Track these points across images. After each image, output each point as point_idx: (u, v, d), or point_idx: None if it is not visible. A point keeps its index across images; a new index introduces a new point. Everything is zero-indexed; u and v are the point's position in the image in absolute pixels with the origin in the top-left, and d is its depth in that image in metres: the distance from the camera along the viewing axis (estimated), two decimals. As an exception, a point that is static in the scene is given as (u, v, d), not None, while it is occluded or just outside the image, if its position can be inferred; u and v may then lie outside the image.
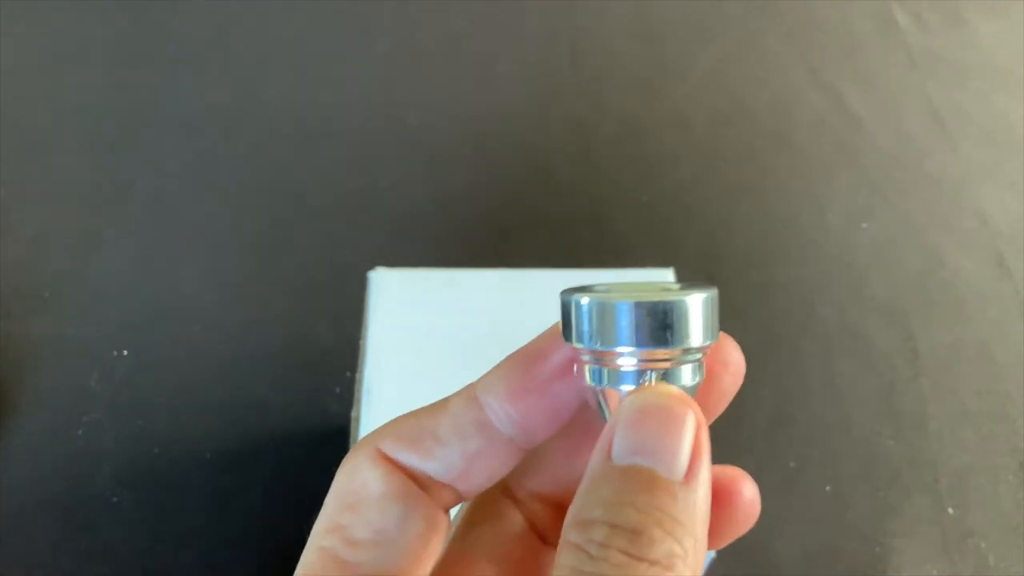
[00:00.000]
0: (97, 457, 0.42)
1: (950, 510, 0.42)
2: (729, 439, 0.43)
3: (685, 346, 0.16)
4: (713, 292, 0.17)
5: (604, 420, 0.17)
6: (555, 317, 0.19)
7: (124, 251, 0.51)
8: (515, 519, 0.20)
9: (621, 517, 0.14)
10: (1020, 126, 0.59)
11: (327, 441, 0.43)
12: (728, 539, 0.18)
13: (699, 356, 0.17)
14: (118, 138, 0.56)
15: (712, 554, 0.35)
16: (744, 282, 0.50)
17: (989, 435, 0.44)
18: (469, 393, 0.18)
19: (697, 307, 0.16)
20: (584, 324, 0.17)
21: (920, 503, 0.42)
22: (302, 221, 0.52)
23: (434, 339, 0.35)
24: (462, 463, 0.18)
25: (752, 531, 0.18)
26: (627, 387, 0.17)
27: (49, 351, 0.46)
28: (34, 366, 0.45)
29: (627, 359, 0.17)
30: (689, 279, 0.47)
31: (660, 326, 0.16)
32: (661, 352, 0.16)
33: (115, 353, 0.46)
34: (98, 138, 0.56)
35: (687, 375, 0.17)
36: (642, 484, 0.15)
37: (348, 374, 0.45)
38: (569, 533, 0.15)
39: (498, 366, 0.18)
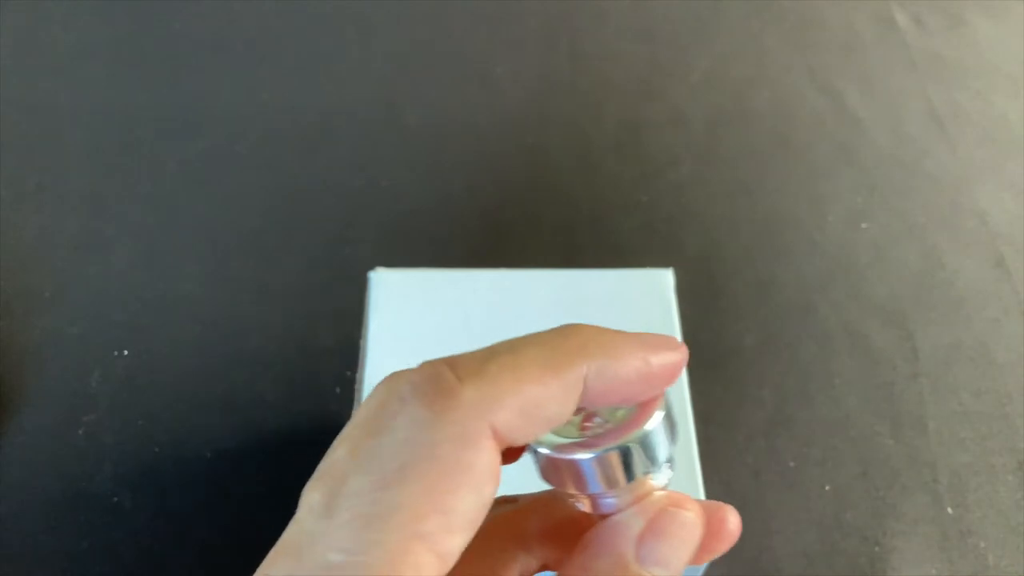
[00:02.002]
0: (97, 456, 0.42)
1: (949, 510, 0.42)
2: (729, 438, 0.44)
3: (668, 458, 0.19)
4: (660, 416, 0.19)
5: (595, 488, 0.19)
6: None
7: (124, 251, 0.51)
8: None
9: None
10: (1020, 126, 0.59)
11: (327, 441, 0.43)
12: (708, 560, 0.20)
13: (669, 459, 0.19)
14: (118, 138, 0.56)
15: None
16: (744, 282, 0.50)
17: (988, 435, 0.44)
18: (572, 372, 0.17)
19: (660, 432, 0.18)
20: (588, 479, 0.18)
21: (919, 503, 0.42)
22: (302, 221, 0.52)
23: (434, 339, 0.35)
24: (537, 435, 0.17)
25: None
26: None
27: (50, 350, 0.46)
28: (35, 366, 0.45)
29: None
30: (689, 279, 0.47)
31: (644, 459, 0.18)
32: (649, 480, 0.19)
33: (116, 353, 0.46)
34: (98, 138, 0.56)
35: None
36: None
37: (348, 374, 0.45)
38: None
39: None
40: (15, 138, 0.56)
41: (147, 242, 0.51)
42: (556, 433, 0.19)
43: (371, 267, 0.37)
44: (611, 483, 0.18)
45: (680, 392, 0.38)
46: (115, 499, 0.41)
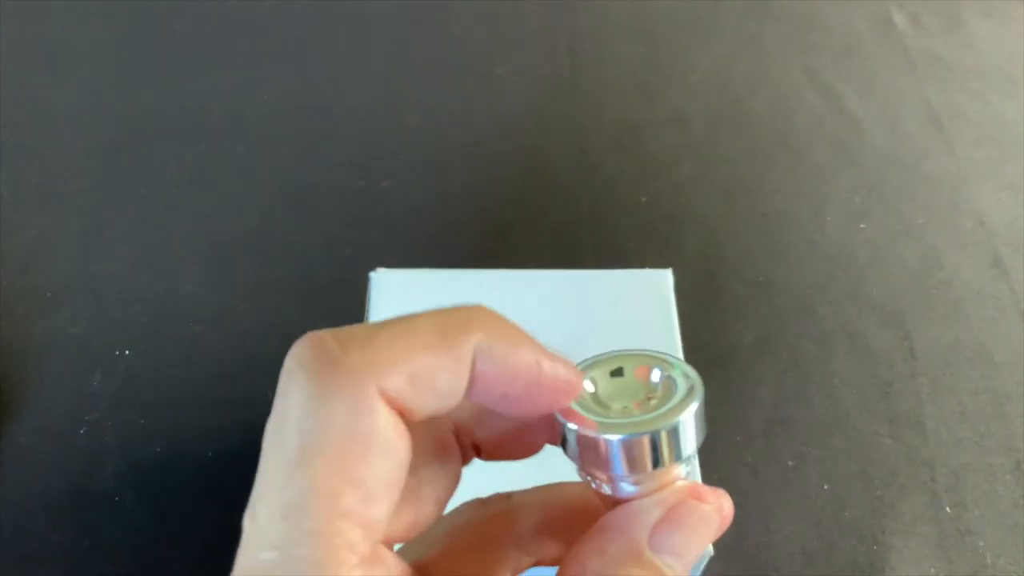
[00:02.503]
0: (98, 456, 0.42)
1: (947, 509, 0.42)
2: (728, 438, 0.44)
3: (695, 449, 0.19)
4: (699, 398, 0.19)
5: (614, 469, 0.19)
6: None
7: (125, 251, 0.51)
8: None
9: None
10: (1018, 127, 0.59)
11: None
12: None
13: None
14: (118, 138, 0.56)
15: (711, 552, 0.35)
16: (743, 282, 0.50)
17: (986, 434, 0.44)
18: (462, 344, 0.17)
19: (690, 420, 0.19)
20: (614, 460, 0.19)
21: (918, 502, 0.42)
22: (302, 221, 0.53)
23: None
24: (439, 410, 0.17)
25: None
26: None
27: (51, 351, 0.46)
28: (36, 366, 0.45)
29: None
30: (689, 279, 0.47)
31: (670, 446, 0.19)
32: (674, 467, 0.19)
33: (117, 353, 0.46)
34: (98, 138, 0.56)
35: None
36: None
37: (348, 374, 0.45)
38: None
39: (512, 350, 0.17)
40: (15, 138, 0.56)
41: (147, 242, 0.51)
42: (590, 412, 0.19)
43: (371, 267, 0.37)
44: (634, 467, 0.18)
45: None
46: (116, 499, 0.41)
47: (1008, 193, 0.55)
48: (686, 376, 0.20)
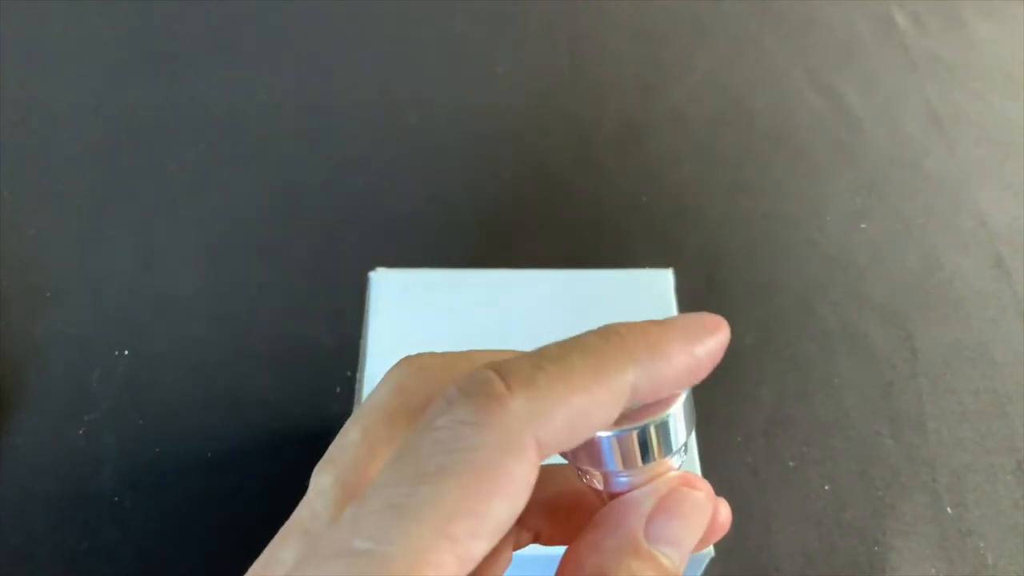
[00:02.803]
0: (98, 456, 0.42)
1: (948, 509, 0.42)
2: (728, 438, 0.44)
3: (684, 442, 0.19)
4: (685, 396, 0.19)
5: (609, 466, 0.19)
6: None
7: (125, 251, 0.51)
8: None
9: None
10: (1019, 127, 0.59)
11: (327, 441, 0.43)
12: (699, 549, 0.20)
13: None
14: (118, 138, 0.56)
15: (711, 553, 0.35)
16: (743, 282, 0.50)
17: (987, 434, 0.44)
18: (617, 380, 0.17)
19: (679, 416, 0.19)
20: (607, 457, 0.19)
21: (918, 502, 0.42)
22: (302, 221, 0.52)
23: (434, 339, 0.35)
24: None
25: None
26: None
27: (50, 350, 0.46)
28: (35, 366, 0.45)
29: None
30: (689, 279, 0.47)
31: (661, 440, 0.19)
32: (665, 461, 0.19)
33: (116, 352, 0.46)
34: (98, 138, 0.56)
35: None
36: (662, 572, 0.18)
37: (348, 374, 0.45)
38: None
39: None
40: (15, 138, 0.56)
41: (147, 242, 0.51)
42: None
43: (371, 267, 0.37)
44: (627, 462, 0.18)
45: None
46: (115, 499, 0.41)
47: (1009, 193, 0.55)
48: None
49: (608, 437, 0.18)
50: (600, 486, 0.19)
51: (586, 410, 0.16)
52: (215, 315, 0.48)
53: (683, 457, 0.20)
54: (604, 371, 0.16)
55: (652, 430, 0.18)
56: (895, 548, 0.40)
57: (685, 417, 0.19)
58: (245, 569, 0.17)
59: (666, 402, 0.18)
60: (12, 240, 0.51)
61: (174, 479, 0.42)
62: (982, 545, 0.41)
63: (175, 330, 0.47)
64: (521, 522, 0.21)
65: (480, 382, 0.16)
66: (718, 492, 0.20)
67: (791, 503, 0.42)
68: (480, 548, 0.15)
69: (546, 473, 0.22)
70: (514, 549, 0.22)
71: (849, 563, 0.40)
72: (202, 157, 0.56)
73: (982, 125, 0.59)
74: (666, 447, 0.18)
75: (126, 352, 0.46)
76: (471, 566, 0.15)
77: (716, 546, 0.35)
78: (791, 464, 0.43)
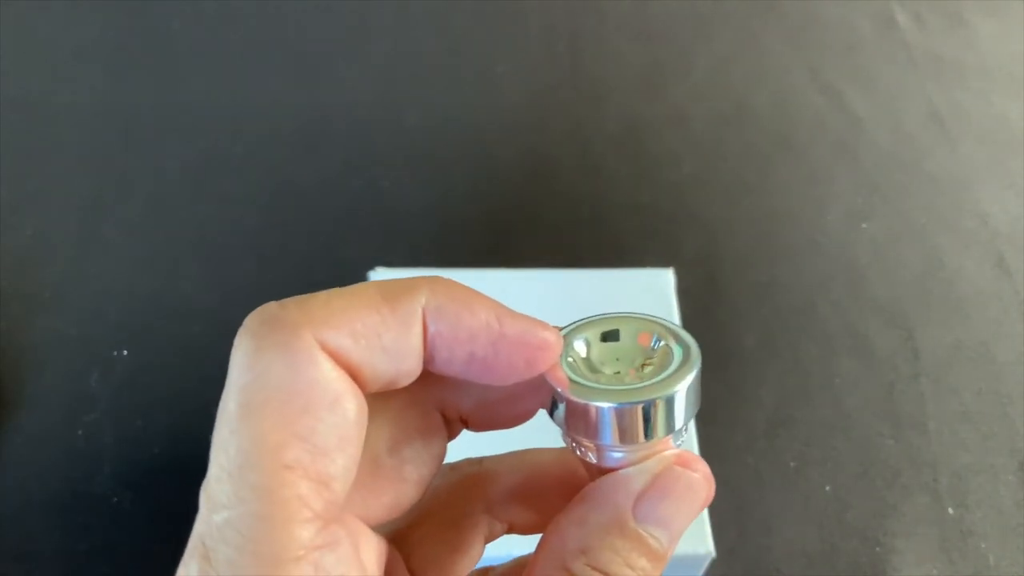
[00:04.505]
0: (97, 457, 0.42)
1: (950, 510, 0.42)
2: (729, 439, 0.43)
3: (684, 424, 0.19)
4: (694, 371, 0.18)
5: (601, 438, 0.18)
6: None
7: (124, 251, 0.51)
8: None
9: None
10: (1020, 126, 0.59)
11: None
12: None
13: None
14: (118, 138, 0.56)
15: (712, 554, 0.35)
16: (744, 282, 0.50)
17: (989, 435, 0.44)
18: (406, 302, 0.16)
19: (682, 393, 0.18)
20: (605, 428, 0.18)
21: (920, 503, 0.42)
22: (302, 221, 0.52)
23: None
24: (396, 375, 0.17)
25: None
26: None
27: (49, 351, 0.46)
28: (34, 366, 0.45)
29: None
30: (689, 279, 0.47)
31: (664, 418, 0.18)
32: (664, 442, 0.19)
33: (115, 353, 0.46)
34: (98, 138, 0.56)
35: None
36: (648, 553, 0.17)
37: (348, 374, 0.45)
38: (573, 561, 0.17)
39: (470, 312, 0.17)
40: (15, 138, 0.56)
41: (146, 242, 0.51)
42: (581, 376, 0.18)
43: (371, 267, 0.37)
44: (625, 437, 0.18)
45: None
46: (114, 500, 0.41)
47: (1011, 192, 0.55)
48: (684, 344, 0.19)
49: (609, 408, 0.17)
50: (594, 459, 0.19)
51: (371, 324, 0.16)
52: (214, 315, 0.48)
53: (683, 438, 0.19)
54: (391, 294, 0.16)
55: (656, 405, 0.17)
56: (896, 549, 0.40)
57: (688, 399, 0.18)
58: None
59: (674, 379, 0.18)
60: (11, 240, 0.51)
61: (173, 479, 0.42)
62: (983, 546, 0.41)
63: (174, 331, 0.47)
64: (493, 512, 0.21)
65: (256, 312, 0.16)
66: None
67: (792, 504, 0.42)
68: (333, 466, 0.15)
69: (516, 458, 0.21)
70: (487, 541, 0.21)
71: (850, 564, 0.40)
72: (202, 157, 0.55)
73: (983, 124, 0.59)
74: (668, 425, 0.18)
75: (125, 352, 0.46)
76: (336, 485, 0.15)
77: (718, 547, 0.35)
78: (792, 465, 0.43)
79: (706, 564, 0.36)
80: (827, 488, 0.42)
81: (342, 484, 0.15)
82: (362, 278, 0.37)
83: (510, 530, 0.21)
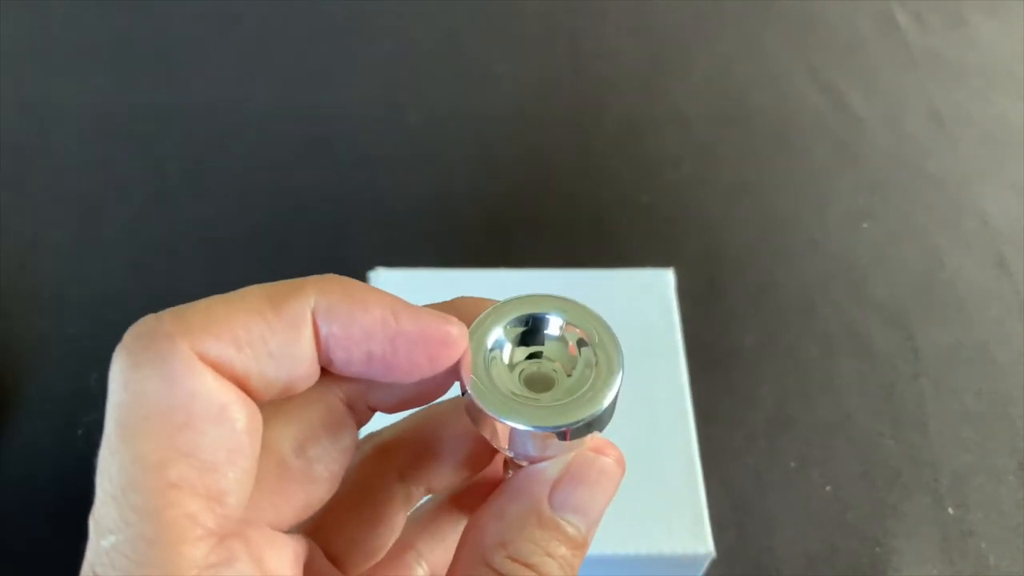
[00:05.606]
0: (97, 457, 0.42)
1: (950, 510, 0.42)
2: (729, 439, 0.43)
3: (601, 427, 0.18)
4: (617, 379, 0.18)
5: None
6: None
7: (124, 251, 0.51)
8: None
9: (544, 567, 0.17)
10: (1020, 126, 0.59)
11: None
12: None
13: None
14: (118, 138, 0.56)
15: (712, 554, 0.35)
16: (744, 282, 0.50)
17: (989, 435, 0.44)
18: (292, 305, 0.16)
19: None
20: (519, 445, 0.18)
21: (920, 503, 0.42)
22: (302, 221, 0.52)
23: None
24: (289, 380, 0.16)
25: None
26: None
27: (49, 351, 0.46)
28: (34, 366, 0.45)
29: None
30: (689, 279, 0.47)
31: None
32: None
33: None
34: (98, 138, 0.56)
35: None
36: (567, 540, 0.17)
37: (348, 374, 0.45)
38: (493, 555, 0.17)
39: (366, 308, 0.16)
40: (15, 138, 0.56)
41: (146, 242, 0.51)
42: (500, 378, 0.18)
43: (371, 267, 0.37)
44: (542, 449, 0.17)
45: (680, 391, 0.38)
46: (114, 500, 0.41)
47: (1011, 192, 0.55)
48: (605, 344, 0.18)
49: (526, 431, 0.17)
50: (511, 454, 0.18)
51: (255, 330, 0.15)
52: (215, 315, 0.48)
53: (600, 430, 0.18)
54: (276, 297, 0.16)
55: (576, 427, 0.17)
56: (897, 549, 0.40)
57: (611, 410, 0.18)
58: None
59: (598, 397, 0.17)
60: (10, 239, 0.51)
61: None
62: (984, 546, 0.41)
63: (174, 330, 0.47)
64: (404, 479, 0.20)
65: (132, 328, 0.15)
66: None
67: (792, 504, 0.42)
68: (223, 480, 0.14)
69: (415, 421, 0.20)
70: (408, 509, 0.20)
71: (851, 564, 0.40)
72: (202, 157, 0.55)
73: (984, 124, 0.59)
74: (583, 435, 0.17)
75: (125, 352, 0.46)
76: (229, 499, 0.14)
77: (717, 547, 0.35)
78: (792, 465, 0.43)
79: (706, 564, 0.36)
80: (827, 488, 0.42)
81: (237, 497, 0.15)
82: (362, 278, 0.37)
83: (428, 492, 0.21)
